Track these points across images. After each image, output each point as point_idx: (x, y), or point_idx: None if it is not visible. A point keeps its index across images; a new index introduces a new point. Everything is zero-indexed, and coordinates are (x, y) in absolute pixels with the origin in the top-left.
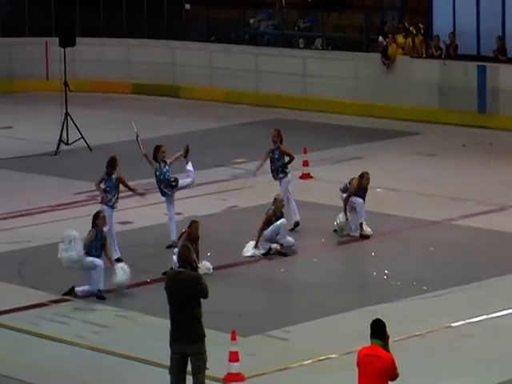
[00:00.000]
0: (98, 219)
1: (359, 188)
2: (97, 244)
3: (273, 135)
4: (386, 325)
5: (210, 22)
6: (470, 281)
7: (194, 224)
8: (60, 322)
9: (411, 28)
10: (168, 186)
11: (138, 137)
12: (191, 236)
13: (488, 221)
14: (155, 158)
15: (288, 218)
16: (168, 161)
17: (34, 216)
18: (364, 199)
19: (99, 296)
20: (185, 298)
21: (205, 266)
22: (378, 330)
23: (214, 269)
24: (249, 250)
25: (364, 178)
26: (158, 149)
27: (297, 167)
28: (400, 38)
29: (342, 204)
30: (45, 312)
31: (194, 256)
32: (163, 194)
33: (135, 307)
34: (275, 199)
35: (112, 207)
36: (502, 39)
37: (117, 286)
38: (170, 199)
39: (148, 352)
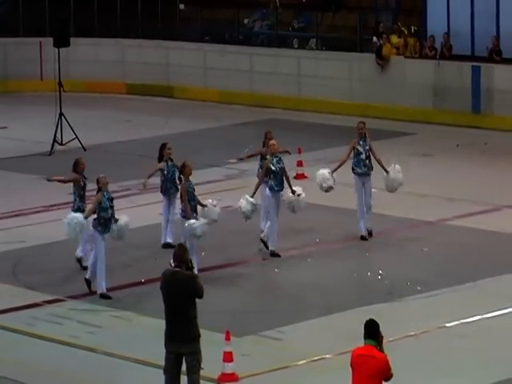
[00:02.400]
0: (99, 183)
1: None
2: (106, 204)
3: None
4: (380, 325)
5: (205, 22)
6: (465, 281)
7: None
8: (54, 322)
9: (403, 28)
10: (173, 186)
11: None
12: (186, 174)
13: (482, 221)
14: (161, 156)
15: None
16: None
17: (29, 216)
18: (366, 149)
19: (104, 295)
20: (180, 297)
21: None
22: (372, 330)
23: (208, 269)
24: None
25: (358, 127)
26: (164, 146)
27: (291, 167)
28: (394, 39)
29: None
30: (39, 312)
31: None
32: (165, 193)
33: (130, 307)
34: (269, 145)
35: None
36: (497, 39)
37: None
38: (171, 199)
39: (143, 352)
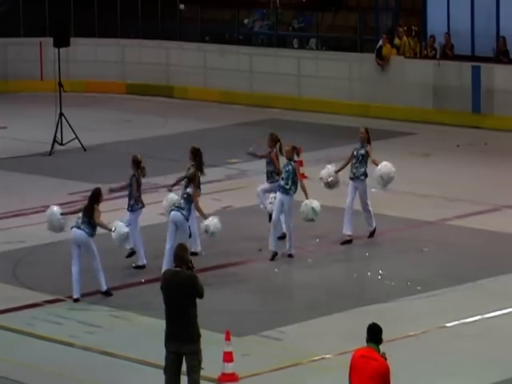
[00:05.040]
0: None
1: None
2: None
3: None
4: (380, 325)
5: (205, 22)
6: (465, 281)
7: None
8: (54, 322)
9: (401, 30)
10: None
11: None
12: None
13: (482, 221)
14: (201, 162)
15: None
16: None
17: (29, 216)
18: (359, 154)
19: (107, 292)
20: (181, 297)
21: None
22: (374, 334)
23: (208, 269)
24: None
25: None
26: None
27: None
28: (395, 39)
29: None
30: (39, 312)
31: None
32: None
33: (130, 307)
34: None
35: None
36: (504, 40)
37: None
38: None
39: (143, 352)
